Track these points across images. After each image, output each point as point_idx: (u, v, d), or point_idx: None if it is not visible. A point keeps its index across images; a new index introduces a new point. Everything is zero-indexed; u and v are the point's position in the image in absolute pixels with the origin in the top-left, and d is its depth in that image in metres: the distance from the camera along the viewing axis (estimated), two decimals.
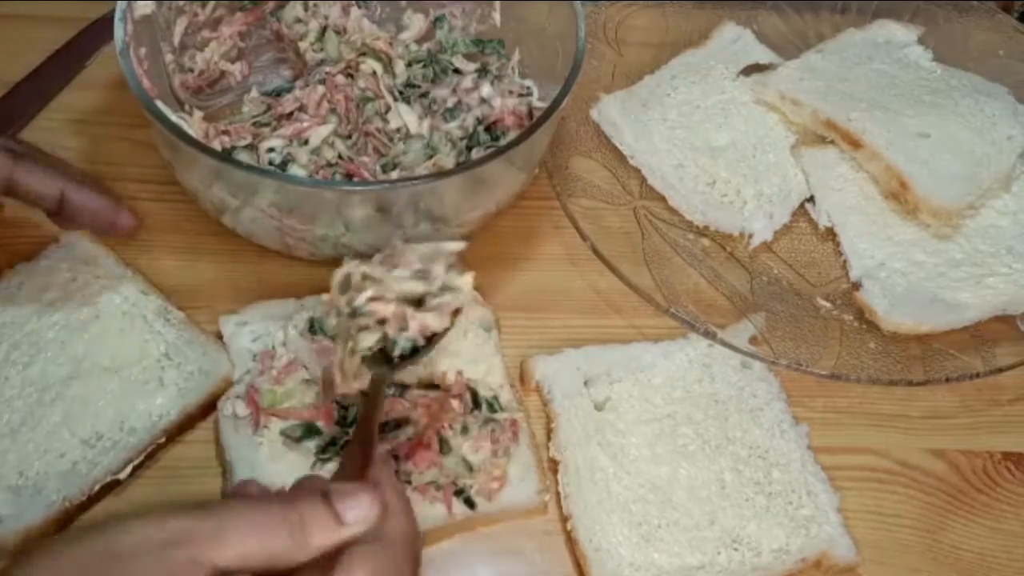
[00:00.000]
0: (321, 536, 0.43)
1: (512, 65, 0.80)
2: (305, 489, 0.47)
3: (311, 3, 0.80)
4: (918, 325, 0.71)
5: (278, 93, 0.77)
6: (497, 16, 0.83)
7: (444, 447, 0.61)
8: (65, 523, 0.59)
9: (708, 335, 0.68)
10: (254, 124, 0.73)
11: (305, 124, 0.72)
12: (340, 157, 0.72)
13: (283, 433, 0.61)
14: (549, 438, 0.65)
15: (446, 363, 0.64)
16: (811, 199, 0.80)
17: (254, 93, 0.77)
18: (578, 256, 0.76)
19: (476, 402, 0.64)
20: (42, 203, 0.60)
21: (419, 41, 0.82)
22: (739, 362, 0.70)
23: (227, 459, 0.61)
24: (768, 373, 0.70)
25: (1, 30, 0.87)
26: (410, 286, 0.56)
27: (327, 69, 0.76)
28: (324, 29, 0.79)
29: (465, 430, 0.62)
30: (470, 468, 0.61)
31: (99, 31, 0.87)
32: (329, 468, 0.61)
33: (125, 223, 0.63)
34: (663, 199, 0.79)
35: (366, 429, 0.52)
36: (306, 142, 0.72)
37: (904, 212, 0.77)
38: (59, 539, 0.43)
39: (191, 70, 0.77)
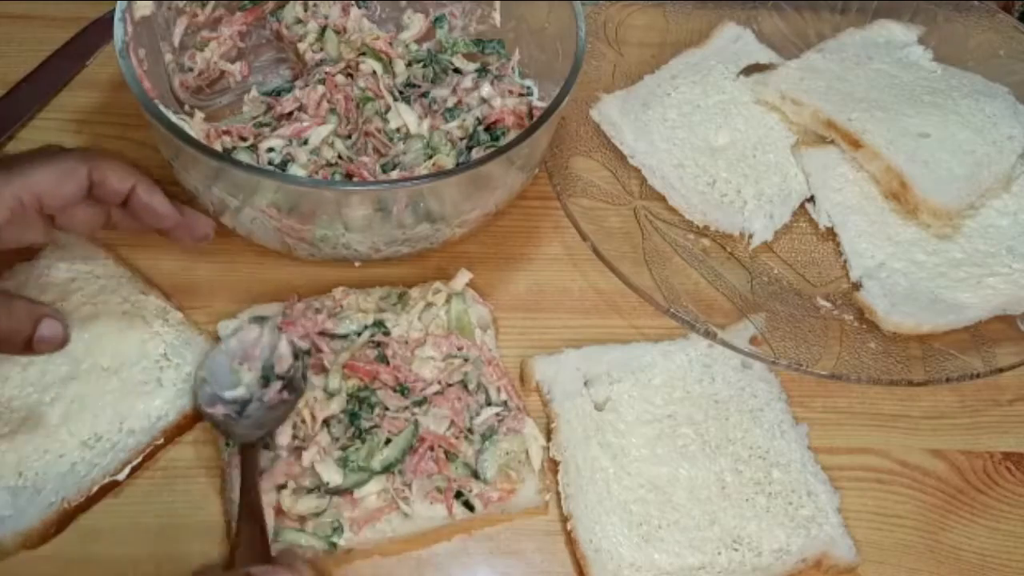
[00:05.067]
0: None
1: (512, 65, 0.80)
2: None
3: (311, 3, 0.80)
4: (918, 325, 0.71)
5: (278, 93, 0.77)
6: (497, 16, 0.83)
7: (450, 455, 0.61)
8: (64, 524, 0.59)
9: (708, 335, 0.68)
10: (254, 124, 0.73)
11: (305, 124, 0.72)
12: (340, 157, 0.72)
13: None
14: (549, 438, 0.65)
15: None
16: (811, 199, 0.80)
17: (254, 93, 0.77)
18: (578, 256, 0.76)
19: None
20: (114, 198, 0.61)
21: (419, 41, 0.82)
22: (739, 362, 0.70)
23: (224, 460, 0.61)
24: (768, 373, 0.70)
25: (1, 30, 0.87)
26: None
27: (327, 69, 0.76)
28: (324, 29, 0.79)
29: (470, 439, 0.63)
30: (475, 475, 0.61)
31: (99, 31, 0.87)
32: None
33: (199, 224, 0.66)
34: (663, 199, 0.79)
35: (254, 503, 0.56)
36: (306, 142, 0.72)
37: (904, 212, 0.77)
38: None
39: (191, 70, 0.77)
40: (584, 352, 0.69)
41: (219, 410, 0.61)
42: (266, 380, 0.63)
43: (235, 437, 0.60)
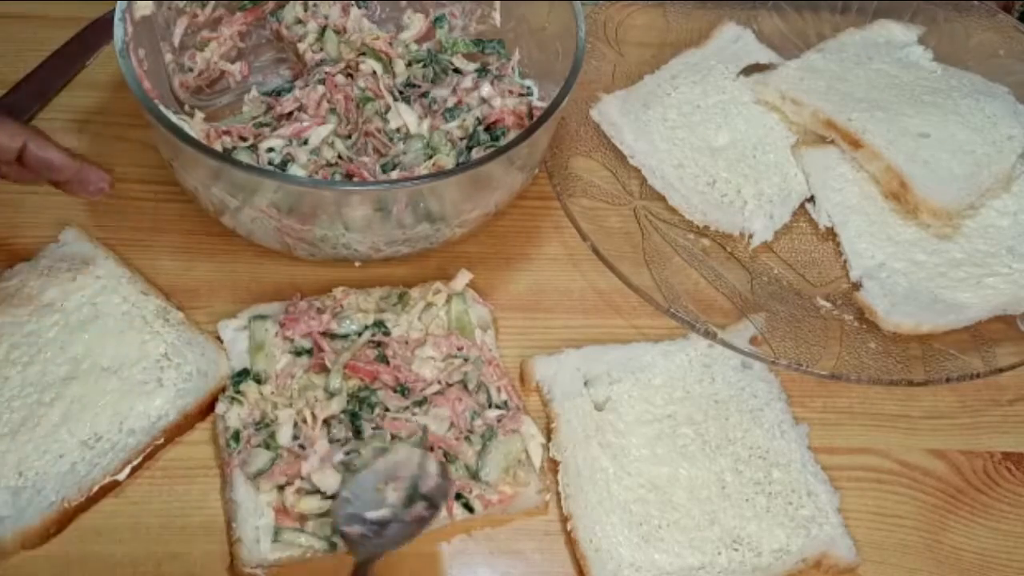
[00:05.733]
0: None
1: (512, 65, 0.80)
2: None
3: (311, 3, 0.80)
4: (918, 325, 0.71)
5: (278, 93, 0.77)
6: (497, 16, 0.83)
7: (449, 456, 0.62)
8: (64, 524, 0.59)
9: (708, 335, 0.68)
10: (254, 124, 0.73)
11: (305, 124, 0.72)
12: (340, 157, 0.72)
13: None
14: (549, 438, 0.65)
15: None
16: (811, 199, 0.80)
17: (254, 93, 0.77)
18: (578, 256, 0.76)
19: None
20: (5, 155, 0.61)
21: (419, 41, 0.82)
22: (739, 362, 0.70)
23: (224, 460, 0.61)
24: (768, 373, 0.70)
25: (1, 30, 0.87)
26: None
27: (327, 69, 0.76)
28: (324, 29, 0.79)
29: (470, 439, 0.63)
30: (475, 476, 0.61)
31: (99, 31, 0.87)
32: None
33: (94, 178, 0.64)
34: (663, 199, 0.79)
35: None
36: (306, 142, 0.72)
37: (904, 212, 0.77)
38: None
39: (191, 70, 0.78)
40: (584, 352, 0.69)
41: (356, 529, 0.57)
42: (410, 499, 0.59)
43: (362, 554, 0.56)
